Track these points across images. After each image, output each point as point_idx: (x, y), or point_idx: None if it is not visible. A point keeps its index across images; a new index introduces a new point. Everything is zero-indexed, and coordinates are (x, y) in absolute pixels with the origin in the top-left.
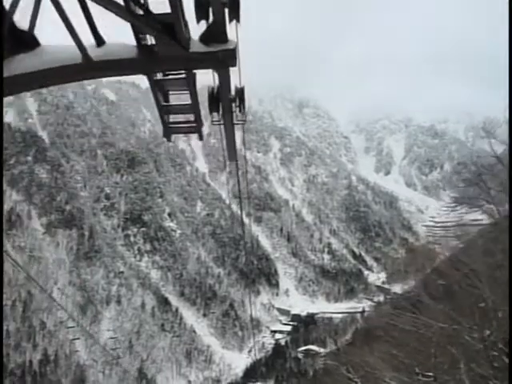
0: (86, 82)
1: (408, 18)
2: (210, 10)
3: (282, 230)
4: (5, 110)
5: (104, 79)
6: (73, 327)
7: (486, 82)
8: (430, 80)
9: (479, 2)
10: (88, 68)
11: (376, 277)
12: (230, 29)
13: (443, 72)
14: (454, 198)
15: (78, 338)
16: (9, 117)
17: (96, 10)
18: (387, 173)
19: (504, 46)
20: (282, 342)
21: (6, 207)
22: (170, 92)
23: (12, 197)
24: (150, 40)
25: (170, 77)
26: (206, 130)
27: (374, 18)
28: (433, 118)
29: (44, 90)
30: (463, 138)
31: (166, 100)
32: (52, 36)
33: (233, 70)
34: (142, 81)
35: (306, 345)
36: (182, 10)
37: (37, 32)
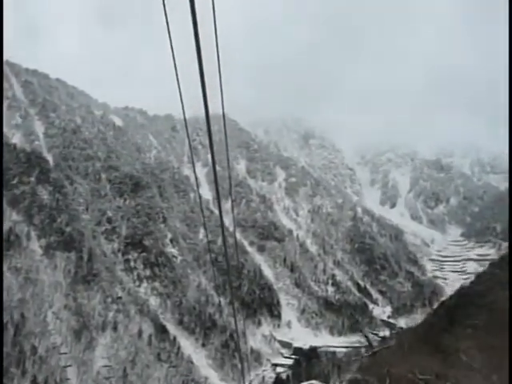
0: (94, 107)
1: (415, 50)
2: None
3: (285, 259)
4: (12, 132)
5: (112, 105)
6: (65, 353)
7: (493, 116)
8: (437, 113)
9: (485, 36)
10: None
11: (381, 310)
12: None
13: (450, 105)
14: (461, 232)
15: (70, 365)
16: (15, 138)
17: None
18: (393, 205)
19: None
20: (284, 376)
21: (5, 227)
22: None
23: (12, 217)
24: None
25: None
26: (209, 157)
27: (380, 48)
28: (438, 151)
29: (52, 114)
30: (469, 172)
31: None
32: None
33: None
34: (149, 108)
35: (308, 379)
36: None
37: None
